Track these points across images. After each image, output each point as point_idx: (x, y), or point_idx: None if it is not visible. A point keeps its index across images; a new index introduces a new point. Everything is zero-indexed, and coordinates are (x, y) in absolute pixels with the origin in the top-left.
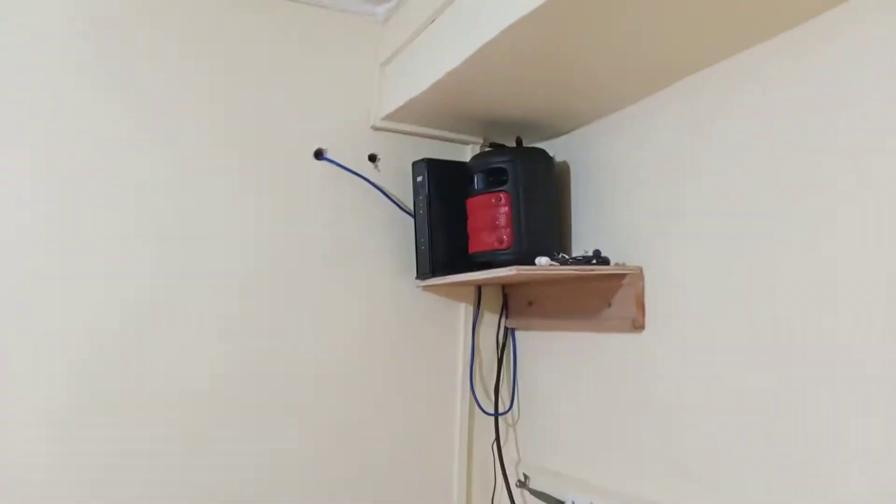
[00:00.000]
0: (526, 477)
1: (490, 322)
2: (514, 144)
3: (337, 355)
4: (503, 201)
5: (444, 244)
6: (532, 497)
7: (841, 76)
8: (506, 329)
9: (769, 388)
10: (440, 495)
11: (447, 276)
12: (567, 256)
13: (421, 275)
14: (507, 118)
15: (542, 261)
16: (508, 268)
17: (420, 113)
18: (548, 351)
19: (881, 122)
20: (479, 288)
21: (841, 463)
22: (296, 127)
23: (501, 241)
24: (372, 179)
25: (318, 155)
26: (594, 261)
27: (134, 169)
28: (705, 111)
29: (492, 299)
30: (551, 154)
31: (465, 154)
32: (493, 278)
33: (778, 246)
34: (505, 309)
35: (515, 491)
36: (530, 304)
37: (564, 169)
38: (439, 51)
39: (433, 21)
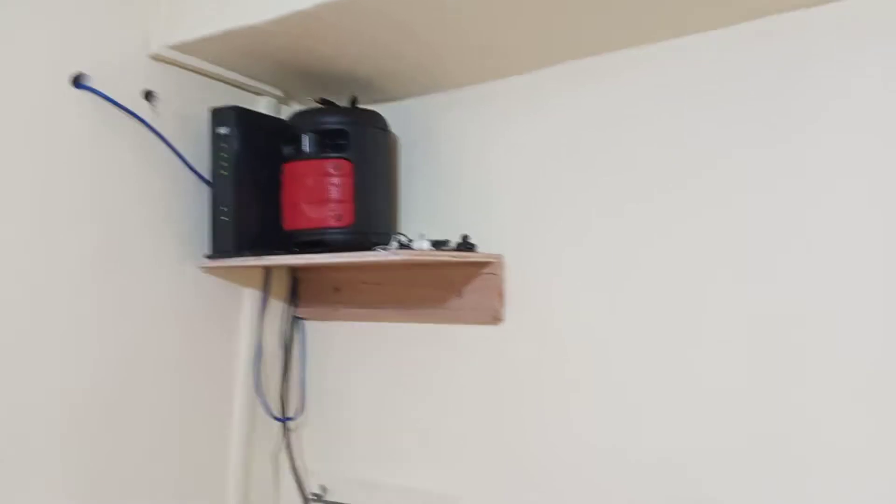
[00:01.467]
0: (323, 489)
1: (276, 312)
2: (331, 103)
3: (102, 354)
4: (343, 170)
5: (252, 216)
6: None
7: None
8: (293, 319)
9: (630, 385)
10: None
11: (273, 256)
12: (440, 240)
13: (218, 253)
14: (328, 72)
15: (424, 245)
16: (392, 251)
17: (222, 49)
18: (361, 345)
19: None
20: (267, 271)
21: (710, 470)
22: (46, 40)
23: (339, 218)
24: (150, 123)
25: (78, 81)
26: (461, 246)
27: None
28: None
29: (278, 284)
30: None
31: (258, 105)
32: (368, 262)
33: (646, 234)
34: (294, 296)
35: None
36: (337, 290)
37: (394, 140)
38: None
39: None
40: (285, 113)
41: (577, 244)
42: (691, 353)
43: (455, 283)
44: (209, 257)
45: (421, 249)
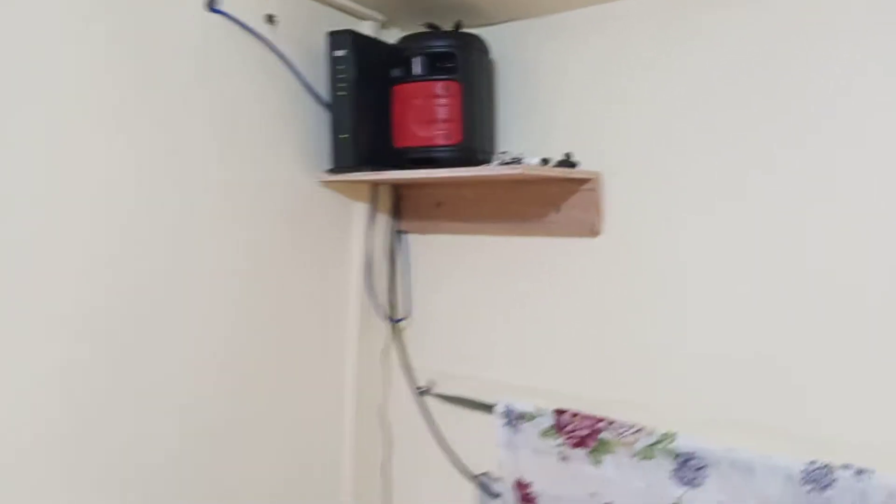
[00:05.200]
0: (430, 383)
1: (381, 225)
2: (436, 27)
3: (226, 255)
4: (452, 91)
5: (367, 134)
6: (441, 403)
7: None
8: (396, 232)
9: (731, 293)
10: (331, 404)
11: (393, 171)
12: (547, 158)
13: (340, 168)
14: None
15: (534, 161)
16: (507, 166)
17: None
18: (462, 256)
19: None
20: (374, 187)
21: (799, 365)
22: None
23: (449, 136)
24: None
25: (212, 5)
26: (564, 164)
27: None
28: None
29: (383, 199)
30: None
31: (362, 29)
32: (474, 178)
33: (738, 151)
34: (397, 211)
35: (418, 399)
36: (439, 205)
37: (494, 63)
38: None
39: None
40: (385, 37)
41: (673, 162)
42: (786, 270)
43: (554, 198)
44: (330, 171)
45: (531, 164)
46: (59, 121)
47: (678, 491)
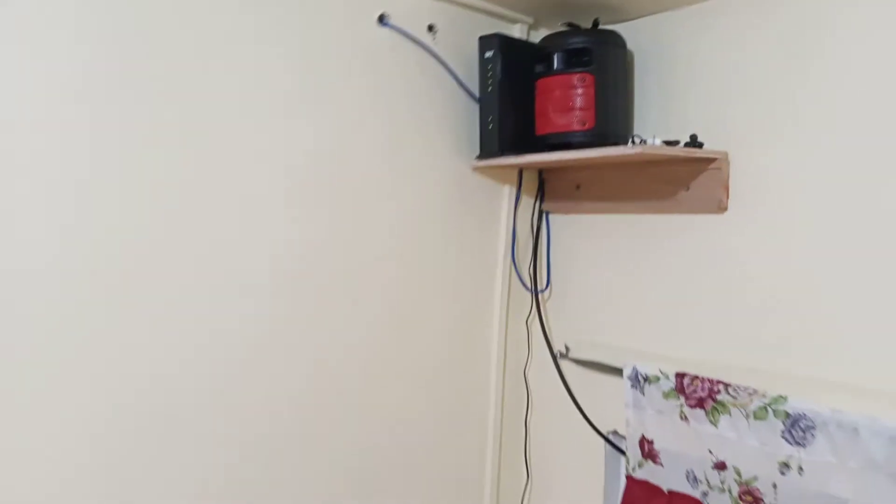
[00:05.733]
0: (567, 348)
1: (526, 205)
2: (576, 26)
3: (393, 232)
4: (586, 82)
5: (511, 124)
6: (576, 366)
7: None
8: (540, 212)
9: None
10: (480, 364)
11: (529, 155)
12: (672, 140)
13: (486, 154)
14: None
15: (656, 142)
16: (627, 147)
17: None
18: (598, 234)
19: None
20: (520, 172)
21: None
22: None
23: (583, 123)
24: (434, 52)
25: (383, 20)
26: (689, 144)
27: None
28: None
29: (529, 183)
30: None
31: (512, 32)
32: (606, 160)
33: (862, 131)
34: (541, 193)
35: (556, 362)
36: (578, 187)
37: (630, 55)
38: None
39: None
40: (533, 37)
41: (796, 141)
42: None
43: (683, 178)
44: (479, 158)
45: (649, 145)
46: (256, 117)
47: (789, 450)
